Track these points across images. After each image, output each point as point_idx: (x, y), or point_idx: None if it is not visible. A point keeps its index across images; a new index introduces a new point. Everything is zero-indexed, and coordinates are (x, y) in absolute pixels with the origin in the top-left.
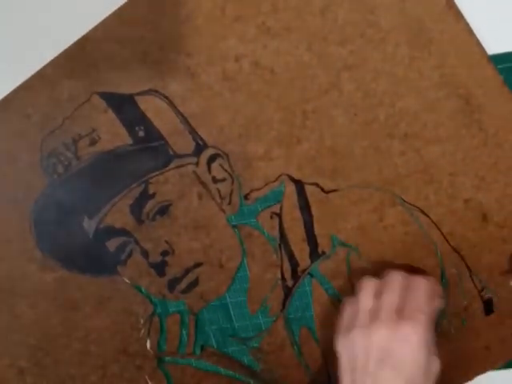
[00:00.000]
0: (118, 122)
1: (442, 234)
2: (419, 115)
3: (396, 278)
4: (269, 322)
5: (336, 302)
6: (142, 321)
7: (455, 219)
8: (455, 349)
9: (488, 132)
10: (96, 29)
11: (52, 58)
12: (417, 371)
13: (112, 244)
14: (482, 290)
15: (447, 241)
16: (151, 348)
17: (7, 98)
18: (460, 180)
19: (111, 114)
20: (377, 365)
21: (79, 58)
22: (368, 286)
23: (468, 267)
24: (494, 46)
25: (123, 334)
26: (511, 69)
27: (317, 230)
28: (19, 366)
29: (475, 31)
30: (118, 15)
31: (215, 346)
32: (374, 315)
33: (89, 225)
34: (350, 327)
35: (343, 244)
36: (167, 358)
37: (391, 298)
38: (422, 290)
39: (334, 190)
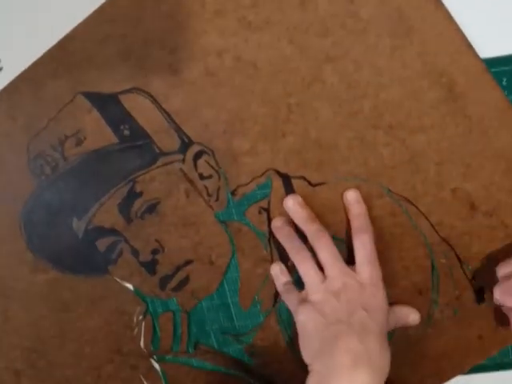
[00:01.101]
0: (102, 122)
1: (431, 224)
2: (403, 105)
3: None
4: (261, 318)
5: None
6: (135, 320)
7: (443, 209)
8: (449, 339)
9: (472, 119)
10: (78, 28)
11: (35, 58)
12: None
13: (102, 244)
14: (473, 279)
15: (436, 231)
16: (145, 347)
17: None
18: (446, 168)
19: (96, 114)
20: (347, 312)
21: (62, 58)
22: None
23: (458, 257)
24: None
25: (117, 333)
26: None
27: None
28: (15, 369)
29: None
30: (99, 13)
31: (209, 344)
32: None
33: (78, 225)
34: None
35: (332, 237)
36: (164, 357)
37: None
38: None
39: (321, 183)
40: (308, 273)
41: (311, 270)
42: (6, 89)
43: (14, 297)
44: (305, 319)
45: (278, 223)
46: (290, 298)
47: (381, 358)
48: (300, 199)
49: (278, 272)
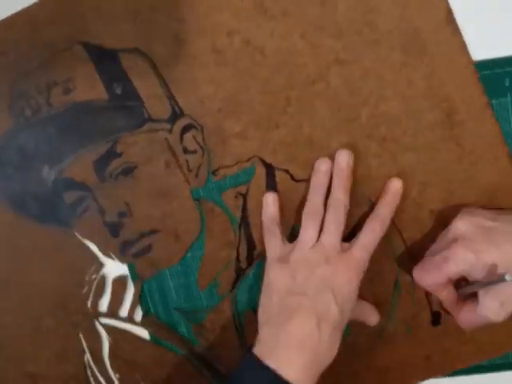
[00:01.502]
0: (96, 75)
1: (403, 240)
2: (401, 121)
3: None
4: (216, 300)
5: None
6: (86, 278)
7: (418, 228)
8: (396, 354)
9: (465, 149)
10: None
11: None
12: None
13: (69, 196)
14: (433, 302)
15: (407, 248)
16: (91, 307)
17: None
18: (429, 191)
19: (91, 66)
20: (316, 289)
21: (68, 4)
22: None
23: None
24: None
25: (65, 289)
26: (489, 76)
27: (280, 216)
28: None
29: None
30: None
31: (157, 316)
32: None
33: (48, 173)
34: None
35: None
36: (106, 320)
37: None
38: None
39: (304, 180)
40: (308, 227)
41: (311, 228)
42: (2, 22)
43: None
44: (274, 277)
45: (322, 167)
46: (271, 244)
47: (329, 349)
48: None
49: (270, 201)
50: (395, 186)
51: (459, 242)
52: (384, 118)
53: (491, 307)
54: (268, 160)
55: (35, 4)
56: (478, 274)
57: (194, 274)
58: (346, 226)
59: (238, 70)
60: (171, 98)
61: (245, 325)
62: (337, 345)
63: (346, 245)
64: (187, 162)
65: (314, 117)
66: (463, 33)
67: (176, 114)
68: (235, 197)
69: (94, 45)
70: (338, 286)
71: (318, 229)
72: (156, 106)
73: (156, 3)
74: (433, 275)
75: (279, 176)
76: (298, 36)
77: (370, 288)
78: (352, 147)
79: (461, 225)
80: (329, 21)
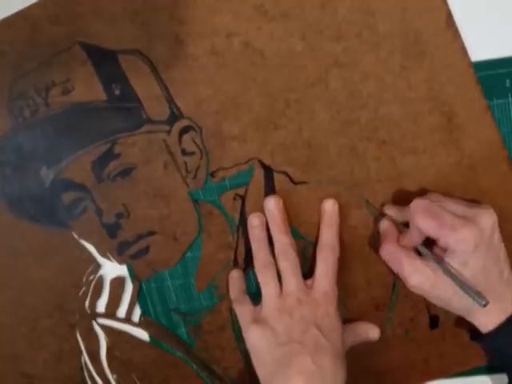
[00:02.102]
0: (95, 76)
1: None
2: (400, 124)
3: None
4: (213, 302)
5: None
6: (84, 279)
7: None
8: (394, 357)
9: (464, 153)
10: None
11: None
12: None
13: (67, 197)
14: (431, 306)
15: None
16: (89, 308)
17: None
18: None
19: (90, 67)
20: (300, 330)
21: (67, 4)
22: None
23: None
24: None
25: (62, 289)
26: (489, 76)
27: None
28: None
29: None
30: None
31: (154, 317)
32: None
33: (46, 174)
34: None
35: (301, 237)
36: (103, 321)
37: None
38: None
39: (303, 182)
40: (267, 283)
41: (271, 282)
42: (1, 22)
43: None
44: (255, 338)
45: (254, 222)
46: (242, 311)
47: (335, 378)
48: (281, 203)
49: (236, 277)
50: (329, 207)
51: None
52: (383, 121)
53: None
54: (267, 162)
55: (35, 4)
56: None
57: (192, 275)
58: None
59: (237, 72)
60: (170, 99)
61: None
62: (342, 369)
63: (309, 281)
64: (185, 163)
65: (313, 119)
66: (463, 33)
67: (175, 116)
68: (233, 199)
69: (93, 45)
70: (319, 319)
71: (276, 278)
72: (155, 107)
73: (156, 4)
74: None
75: (278, 178)
76: (297, 38)
77: (368, 291)
78: (351, 149)
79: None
80: (329, 23)
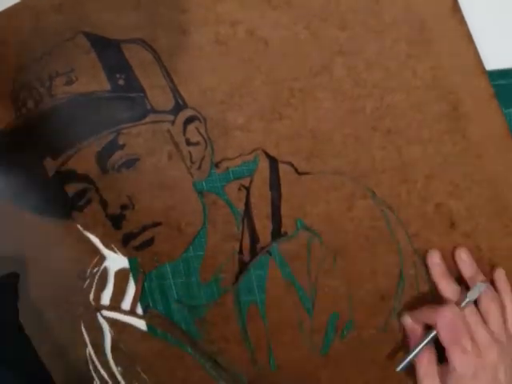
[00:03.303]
0: (99, 66)
1: (408, 234)
2: (406, 113)
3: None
4: (218, 294)
5: (289, 285)
6: (88, 271)
7: (423, 222)
8: (399, 348)
9: (470, 141)
10: None
11: None
12: None
13: (71, 188)
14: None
15: (410, 241)
16: (94, 300)
17: None
18: (434, 184)
19: (94, 57)
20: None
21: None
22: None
23: (427, 270)
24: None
25: (67, 281)
26: (504, 86)
27: (283, 209)
28: None
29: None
30: None
31: (159, 309)
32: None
33: (50, 165)
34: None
35: (307, 228)
36: (108, 313)
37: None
38: None
39: (308, 173)
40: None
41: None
42: (4, 12)
43: None
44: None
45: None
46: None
47: None
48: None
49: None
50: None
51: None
52: (389, 110)
53: None
54: (271, 152)
55: None
56: None
57: (197, 266)
58: (350, 214)
59: (241, 60)
60: (174, 89)
61: (248, 319)
62: None
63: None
64: (190, 153)
65: (317, 108)
66: (478, 41)
67: (179, 106)
68: (238, 189)
69: (96, 35)
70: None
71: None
72: (159, 97)
73: None
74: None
75: (282, 169)
76: (302, 27)
77: (374, 282)
78: (356, 138)
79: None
80: (333, 11)
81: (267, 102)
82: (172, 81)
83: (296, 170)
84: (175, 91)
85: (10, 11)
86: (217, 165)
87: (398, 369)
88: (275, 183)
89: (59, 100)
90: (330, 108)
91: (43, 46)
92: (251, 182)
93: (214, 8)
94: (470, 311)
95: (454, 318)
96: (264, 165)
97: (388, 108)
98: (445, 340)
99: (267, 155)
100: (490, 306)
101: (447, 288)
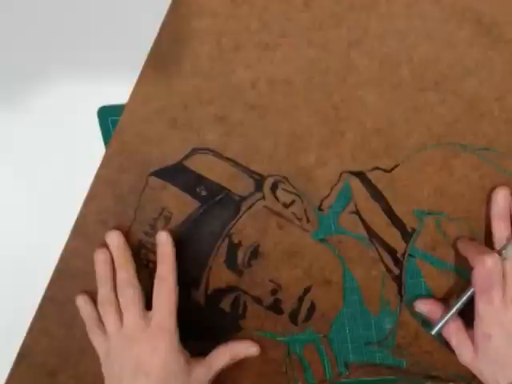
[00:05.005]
0: (179, 192)
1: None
2: (440, 57)
3: None
4: (395, 317)
5: (446, 271)
6: (283, 365)
7: None
8: None
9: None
10: (124, 118)
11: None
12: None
13: (226, 304)
14: None
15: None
16: None
17: (81, 218)
18: (509, 100)
19: (171, 188)
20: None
21: (121, 149)
22: None
23: None
24: None
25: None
26: None
27: (397, 210)
28: None
29: None
30: (137, 95)
31: (357, 360)
32: None
33: (197, 295)
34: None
35: (428, 213)
36: None
37: None
38: None
39: (396, 166)
40: (105, 317)
41: (109, 316)
42: (88, 195)
43: None
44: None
45: (100, 257)
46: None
47: None
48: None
49: (81, 301)
50: (161, 239)
51: None
52: (424, 65)
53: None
54: (355, 168)
55: (101, 164)
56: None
57: (362, 304)
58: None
59: (279, 110)
60: (246, 170)
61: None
62: None
63: (149, 314)
64: (293, 214)
65: (365, 106)
66: None
67: (259, 181)
68: (350, 217)
69: (161, 169)
70: (148, 363)
71: (117, 314)
72: (239, 185)
73: (184, 101)
74: None
75: (373, 176)
76: (305, 46)
77: None
78: (413, 109)
79: None
80: (321, 15)
81: (323, 130)
82: (240, 164)
83: (384, 170)
84: (247, 171)
85: (91, 194)
86: (319, 208)
87: (434, 332)
88: (375, 192)
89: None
90: (375, 98)
91: (130, 205)
92: (355, 204)
93: (230, 82)
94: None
95: (491, 267)
96: (356, 183)
97: (422, 63)
98: (476, 286)
99: (353, 173)
100: None
101: (497, 229)
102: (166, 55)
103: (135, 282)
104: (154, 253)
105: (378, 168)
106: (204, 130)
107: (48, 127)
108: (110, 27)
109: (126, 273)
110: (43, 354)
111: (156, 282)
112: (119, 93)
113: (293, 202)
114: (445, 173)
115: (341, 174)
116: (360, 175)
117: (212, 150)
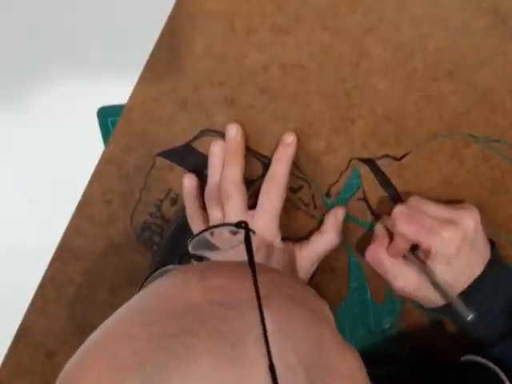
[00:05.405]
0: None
1: None
2: (454, 46)
3: None
4: (398, 306)
5: None
6: None
7: None
8: None
9: None
10: (133, 96)
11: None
12: None
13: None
14: None
15: None
16: None
17: (86, 197)
18: None
19: (178, 169)
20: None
21: (129, 128)
22: None
23: None
24: None
25: None
26: None
27: (405, 199)
28: None
29: None
30: (147, 74)
31: (357, 348)
32: None
33: None
34: None
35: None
36: None
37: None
38: None
39: (406, 154)
40: (209, 209)
41: (213, 208)
42: (94, 175)
43: None
44: None
45: (215, 149)
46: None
47: None
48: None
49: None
50: (286, 140)
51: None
52: (438, 54)
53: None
54: (364, 156)
55: (108, 144)
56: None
57: (366, 292)
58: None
59: (290, 95)
60: (255, 153)
61: (436, 315)
62: None
63: (250, 213)
64: (300, 199)
65: (377, 94)
66: None
67: (266, 164)
68: (357, 204)
69: (169, 150)
70: None
71: (220, 207)
72: (247, 167)
73: (194, 82)
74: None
75: (382, 164)
76: (320, 31)
77: None
78: (426, 98)
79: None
80: (335, 0)
81: (334, 116)
82: (249, 148)
83: (394, 158)
84: (256, 155)
85: (96, 173)
86: (327, 194)
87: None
88: (384, 180)
89: (174, 222)
90: (388, 86)
91: (136, 185)
92: (363, 191)
93: (242, 65)
94: (413, 201)
95: (408, 208)
96: (365, 170)
97: (436, 53)
98: (411, 232)
99: (362, 160)
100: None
101: None
102: (178, 36)
103: (238, 178)
104: (159, 234)
105: (387, 156)
106: (213, 112)
107: (48, 127)
108: (110, 27)
109: (233, 169)
110: (42, 334)
111: (266, 181)
112: (119, 93)
113: (300, 187)
114: (455, 163)
115: (350, 160)
116: (369, 162)
117: (221, 133)
